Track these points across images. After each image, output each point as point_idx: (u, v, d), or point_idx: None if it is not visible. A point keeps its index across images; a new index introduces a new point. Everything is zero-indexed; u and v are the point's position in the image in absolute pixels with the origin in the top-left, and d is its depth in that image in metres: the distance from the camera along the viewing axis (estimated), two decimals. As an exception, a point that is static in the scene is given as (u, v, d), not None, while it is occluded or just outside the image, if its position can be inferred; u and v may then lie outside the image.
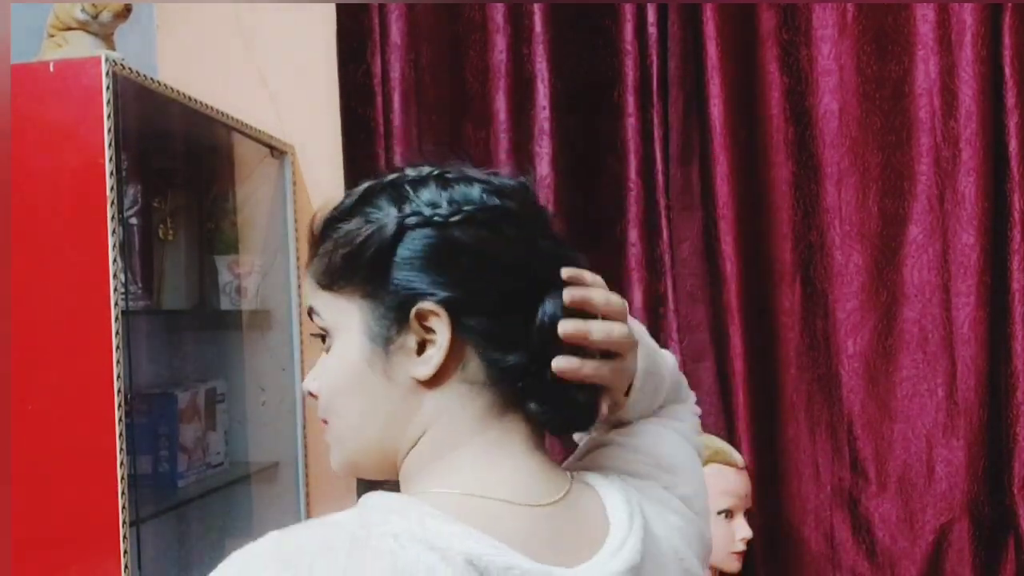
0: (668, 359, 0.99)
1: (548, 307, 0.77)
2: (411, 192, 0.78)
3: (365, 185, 0.81)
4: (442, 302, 0.75)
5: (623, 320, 0.82)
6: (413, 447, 0.78)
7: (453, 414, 0.77)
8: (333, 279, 0.79)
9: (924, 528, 2.08)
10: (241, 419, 2.32)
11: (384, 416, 0.78)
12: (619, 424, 0.92)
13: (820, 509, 2.15)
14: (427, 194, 0.78)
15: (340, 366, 0.79)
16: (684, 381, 1.05)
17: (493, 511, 0.74)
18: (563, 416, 0.80)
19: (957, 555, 2.06)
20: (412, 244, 0.76)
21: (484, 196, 0.78)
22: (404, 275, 0.76)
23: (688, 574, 0.84)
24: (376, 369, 0.77)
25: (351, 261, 0.77)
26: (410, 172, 0.81)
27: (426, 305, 0.75)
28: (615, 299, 0.81)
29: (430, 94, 2.24)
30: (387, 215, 0.77)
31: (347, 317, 0.78)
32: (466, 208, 0.76)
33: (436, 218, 0.76)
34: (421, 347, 0.76)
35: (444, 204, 0.77)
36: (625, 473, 0.85)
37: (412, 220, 0.76)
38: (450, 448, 0.77)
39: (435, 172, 0.80)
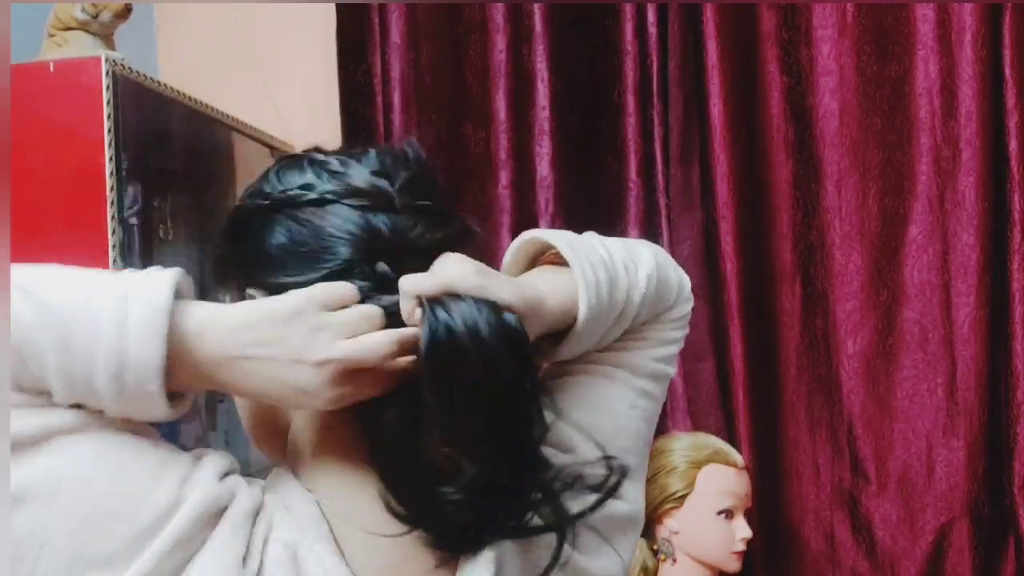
0: (643, 270, 0.87)
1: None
2: None
3: None
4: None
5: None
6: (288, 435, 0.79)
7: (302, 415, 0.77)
8: None
9: (924, 528, 2.08)
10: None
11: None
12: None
13: (820, 509, 2.15)
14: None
15: None
16: (673, 279, 0.92)
17: (359, 540, 0.72)
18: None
19: (957, 555, 2.06)
20: None
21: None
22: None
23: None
24: None
25: None
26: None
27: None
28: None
29: (430, 94, 2.24)
30: None
31: None
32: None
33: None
34: None
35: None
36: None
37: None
38: (308, 451, 0.77)
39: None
